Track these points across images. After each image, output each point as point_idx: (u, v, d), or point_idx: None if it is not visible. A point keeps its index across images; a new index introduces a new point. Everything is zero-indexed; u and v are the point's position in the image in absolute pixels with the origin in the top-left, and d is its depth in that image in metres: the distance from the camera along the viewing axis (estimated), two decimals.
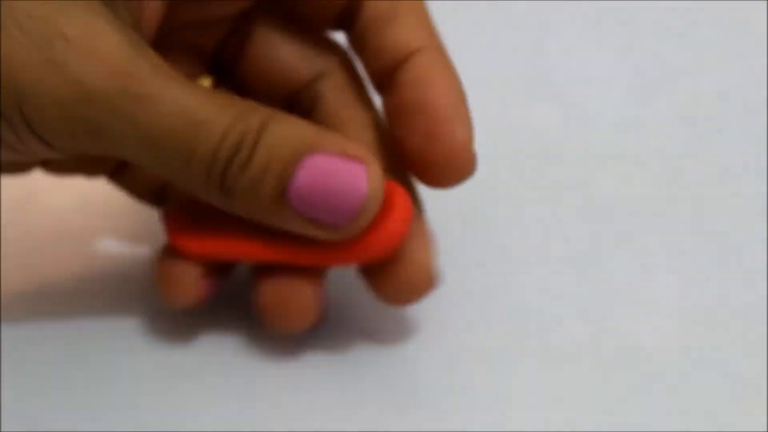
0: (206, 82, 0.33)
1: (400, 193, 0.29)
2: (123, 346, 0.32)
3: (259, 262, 0.30)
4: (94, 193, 0.36)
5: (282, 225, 0.29)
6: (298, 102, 0.32)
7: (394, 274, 0.30)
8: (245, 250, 0.30)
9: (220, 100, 0.28)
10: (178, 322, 0.32)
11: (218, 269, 0.31)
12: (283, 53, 0.32)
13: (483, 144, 0.30)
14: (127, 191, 0.34)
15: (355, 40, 0.32)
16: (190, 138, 0.27)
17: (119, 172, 0.33)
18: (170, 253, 0.31)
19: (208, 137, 0.27)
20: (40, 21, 0.27)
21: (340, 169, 0.28)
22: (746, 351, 0.32)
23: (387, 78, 0.31)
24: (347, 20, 0.32)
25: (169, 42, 0.31)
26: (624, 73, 0.43)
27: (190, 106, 0.27)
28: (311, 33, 0.32)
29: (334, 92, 0.32)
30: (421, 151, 0.30)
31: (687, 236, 0.36)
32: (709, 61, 0.44)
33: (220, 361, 0.31)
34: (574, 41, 0.45)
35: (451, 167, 0.30)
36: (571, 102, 0.41)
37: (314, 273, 0.30)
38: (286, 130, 0.28)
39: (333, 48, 0.33)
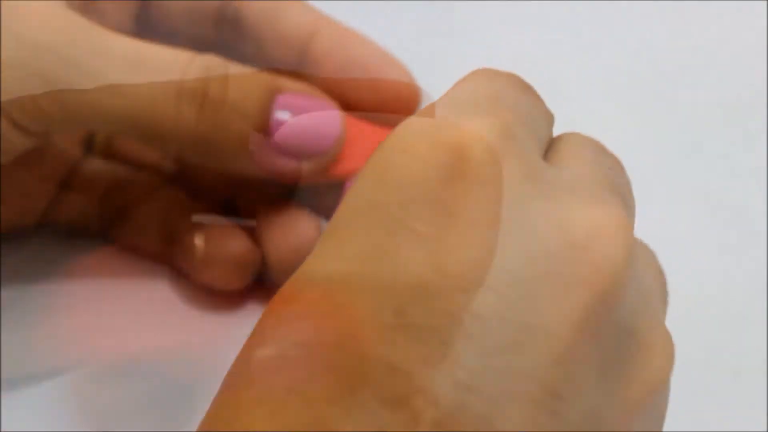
0: None
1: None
2: None
3: None
4: None
5: (255, 161, 0.29)
6: None
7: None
8: None
9: (168, 47, 0.29)
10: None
11: None
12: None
13: None
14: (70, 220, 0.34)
15: (250, 38, 0.32)
16: (150, 73, 0.28)
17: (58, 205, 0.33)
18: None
19: (170, 71, 0.28)
20: None
21: (313, 104, 0.29)
22: (746, 349, 0.31)
23: (298, 59, 0.32)
24: (229, 22, 0.32)
25: None
26: (621, 86, 0.42)
27: (140, 48, 0.28)
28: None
29: None
30: (371, 97, 0.31)
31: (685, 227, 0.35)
32: (708, 62, 0.43)
33: None
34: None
35: (402, 100, 0.31)
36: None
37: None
38: (246, 71, 0.29)
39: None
